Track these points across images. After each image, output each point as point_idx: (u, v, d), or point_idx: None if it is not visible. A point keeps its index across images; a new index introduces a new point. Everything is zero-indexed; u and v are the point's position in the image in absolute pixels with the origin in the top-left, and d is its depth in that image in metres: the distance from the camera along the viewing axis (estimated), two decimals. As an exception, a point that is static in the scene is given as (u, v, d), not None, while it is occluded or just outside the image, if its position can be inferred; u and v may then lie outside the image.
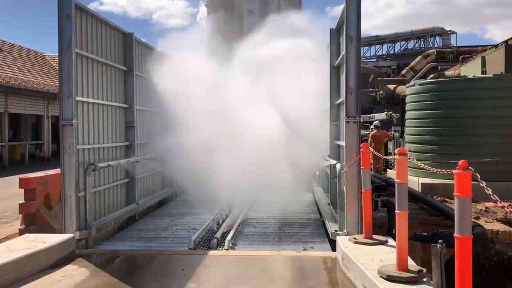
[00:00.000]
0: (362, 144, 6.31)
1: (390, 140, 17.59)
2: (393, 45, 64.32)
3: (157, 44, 11.06)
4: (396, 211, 4.53)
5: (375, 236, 5.93)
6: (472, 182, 3.36)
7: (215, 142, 9.86)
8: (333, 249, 6.48)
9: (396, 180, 4.55)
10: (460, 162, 3.30)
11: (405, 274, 4.38)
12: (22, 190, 7.46)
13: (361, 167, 6.15)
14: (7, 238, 7.56)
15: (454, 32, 62.57)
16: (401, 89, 31.60)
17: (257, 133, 9.67)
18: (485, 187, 3.27)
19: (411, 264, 4.63)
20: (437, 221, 7.94)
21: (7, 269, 5.10)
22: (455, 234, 3.36)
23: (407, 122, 12.63)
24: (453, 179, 3.40)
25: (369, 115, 26.66)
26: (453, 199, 3.45)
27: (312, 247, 6.87)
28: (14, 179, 8.44)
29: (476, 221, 7.47)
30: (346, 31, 6.54)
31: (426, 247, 6.12)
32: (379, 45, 65.12)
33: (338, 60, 8.11)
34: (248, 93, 10.48)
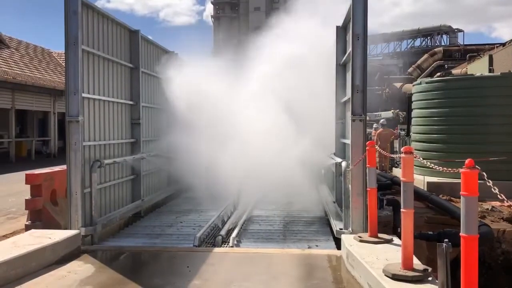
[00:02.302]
0: (368, 142, 6.29)
1: (396, 139, 17.54)
2: (400, 43, 64.03)
3: (163, 41, 11.07)
4: (401, 209, 4.51)
5: (380, 235, 5.91)
6: (478, 181, 3.34)
7: (221, 139, 9.87)
8: (338, 247, 6.47)
9: (402, 178, 4.52)
10: (467, 161, 3.27)
11: (410, 273, 4.36)
12: (28, 186, 7.49)
13: (367, 165, 6.12)
14: (13, 233, 7.60)
15: (461, 30, 62.13)
16: (407, 87, 31.45)
17: (263, 131, 9.66)
18: (491, 186, 3.25)
19: (417, 263, 4.61)
20: (443, 220, 7.91)
21: (13, 264, 5.12)
22: (461, 233, 3.34)
23: (413, 121, 12.58)
24: (459, 178, 3.38)
25: (376, 113, 26.54)
26: (459, 198, 3.43)
27: (317, 245, 6.87)
28: (21, 175, 8.47)
29: (482, 220, 7.43)
30: (353, 29, 6.51)
31: (432, 246, 6.10)
32: (385, 43, 64.80)
33: (344, 58, 8.08)
34: (254, 91, 10.48)
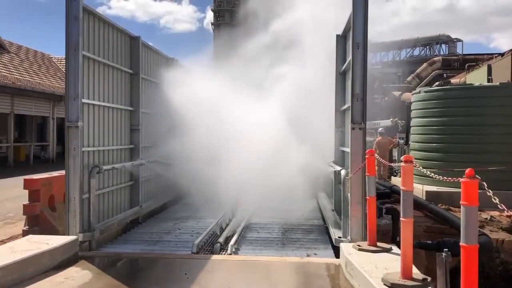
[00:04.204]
0: (367, 150, 6.28)
1: (395, 147, 17.53)
2: (399, 52, 64.20)
3: (164, 48, 11.10)
4: (401, 218, 4.50)
5: (379, 244, 5.90)
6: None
7: (219, 146, 9.86)
8: (337, 255, 6.44)
9: (401, 187, 4.52)
10: (467, 171, 3.28)
11: (409, 283, 4.35)
12: (26, 191, 7.47)
13: (366, 173, 6.12)
14: (11, 238, 7.57)
15: (460, 40, 62.28)
16: (406, 96, 31.55)
17: (262, 138, 9.67)
18: (492, 196, 3.25)
19: (416, 272, 4.59)
20: (441, 229, 7.90)
21: (10, 270, 5.10)
22: (461, 243, 3.33)
23: (412, 129, 12.60)
24: (458, 187, 3.38)
25: (374, 121, 26.56)
26: (458, 207, 3.44)
27: (315, 254, 6.84)
28: (19, 180, 8.45)
29: (481, 230, 7.42)
30: (353, 37, 6.53)
31: (430, 255, 6.08)
32: (384, 52, 64.97)
33: (344, 66, 8.10)
34: (254, 98, 10.50)
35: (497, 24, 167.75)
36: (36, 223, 7.36)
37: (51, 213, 7.62)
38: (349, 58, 6.99)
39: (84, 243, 6.63)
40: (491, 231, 7.75)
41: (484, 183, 3.26)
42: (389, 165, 12.96)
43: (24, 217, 7.51)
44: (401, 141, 19.60)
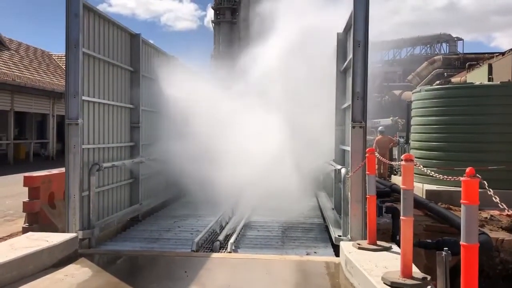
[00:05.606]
0: (368, 149, 6.27)
1: (395, 146, 17.52)
2: (399, 50, 64.19)
3: (165, 46, 11.10)
4: (401, 217, 4.49)
5: (379, 242, 5.90)
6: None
7: (219, 144, 9.86)
8: (337, 254, 6.44)
9: (402, 186, 4.51)
10: (468, 170, 3.27)
11: (409, 281, 4.34)
12: (26, 189, 7.47)
13: (367, 172, 6.11)
14: (11, 236, 7.56)
15: (460, 39, 62.36)
16: (407, 95, 31.55)
17: (262, 136, 9.66)
18: (492, 195, 3.24)
19: (416, 271, 4.59)
20: (441, 228, 7.90)
21: (9, 267, 5.10)
22: (461, 242, 3.33)
23: (412, 128, 12.60)
24: (458, 186, 3.37)
25: (375, 120, 26.56)
26: (458, 206, 3.43)
27: (315, 252, 6.83)
28: (19, 177, 8.44)
29: (481, 229, 7.42)
30: (354, 35, 6.52)
31: (430, 254, 6.08)
32: (385, 51, 64.92)
33: (345, 64, 8.09)
34: (253, 97, 10.49)
35: (497, 23, 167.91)
36: (36, 220, 7.36)
37: (51, 210, 7.62)
38: (350, 56, 6.98)
39: (83, 241, 6.63)
40: (491, 230, 7.75)
41: (485, 182, 3.26)
42: (390, 164, 12.96)
43: (24, 214, 7.51)
44: (402, 140, 19.58)
